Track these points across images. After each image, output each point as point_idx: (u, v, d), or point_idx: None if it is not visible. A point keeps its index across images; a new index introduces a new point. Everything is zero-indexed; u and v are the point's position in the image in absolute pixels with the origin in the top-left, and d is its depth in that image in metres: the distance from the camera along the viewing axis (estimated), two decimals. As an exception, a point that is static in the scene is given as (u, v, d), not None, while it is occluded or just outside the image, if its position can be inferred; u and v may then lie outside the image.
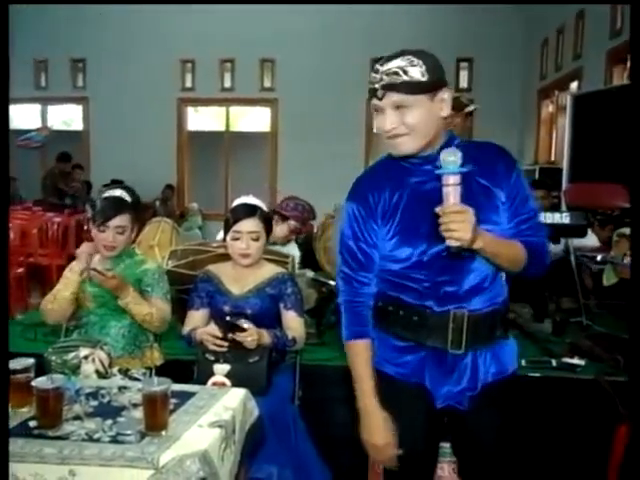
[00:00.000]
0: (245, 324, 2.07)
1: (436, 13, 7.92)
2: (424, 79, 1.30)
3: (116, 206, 2.24)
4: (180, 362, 2.42)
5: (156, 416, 1.45)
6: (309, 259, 3.31)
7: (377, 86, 1.33)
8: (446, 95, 1.35)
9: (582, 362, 2.73)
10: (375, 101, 1.35)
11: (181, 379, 2.17)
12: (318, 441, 2.24)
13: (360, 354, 1.46)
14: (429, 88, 1.32)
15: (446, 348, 1.40)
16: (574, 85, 6.46)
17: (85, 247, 2.35)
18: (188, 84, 8.60)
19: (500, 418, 1.50)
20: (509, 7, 7.83)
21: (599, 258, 3.45)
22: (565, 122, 5.28)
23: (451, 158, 1.25)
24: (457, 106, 3.40)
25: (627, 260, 2.89)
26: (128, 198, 2.29)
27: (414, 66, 1.30)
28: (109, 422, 1.50)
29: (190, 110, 9.19)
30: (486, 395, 1.44)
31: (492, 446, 1.50)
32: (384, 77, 1.31)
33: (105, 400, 1.65)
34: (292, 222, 3.37)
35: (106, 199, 2.27)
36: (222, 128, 9.04)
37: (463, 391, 1.44)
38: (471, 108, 3.15)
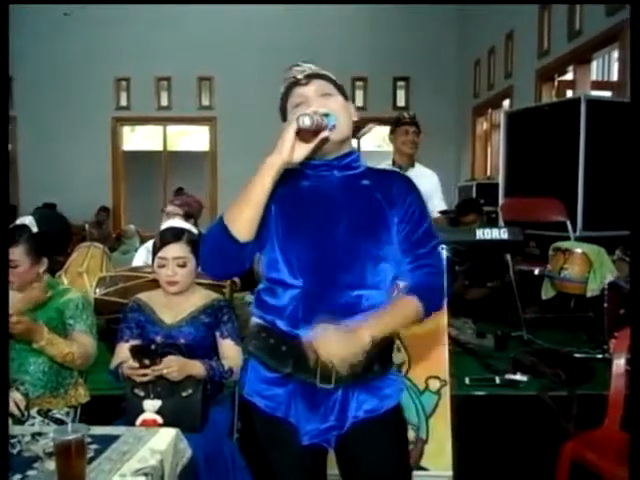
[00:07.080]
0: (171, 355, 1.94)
1: (375, 34, 8.04)
2: (337, 80, 1.41)
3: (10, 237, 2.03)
4: (109, 398, 2.26)
5: (71, 468, 1.29)
6: (249, 282, 3.17)
7: (300, 76, 1.35)
8: (352, 107, 1.43)
9: (525, 378, 2.73)
10: (300, 90, 1.35)
11: (111, 416, 2.02)
12: (258, 477, 2.12)
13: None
14: (342, 89, 1.40)
15: (315, 382, 1.31)
16: (506, 103, 6.67)
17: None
18: (123, 102, 8.37)
19: (373, 454, 1.38)
20: (443, 28, 8.05)
21: (537, 272, 3.49)
22: (499, 138, 5.42)
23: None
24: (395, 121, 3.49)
25: (563, 274, 2.93)
26: (35, 228, 2.11)
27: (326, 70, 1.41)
28: (17, 477, 1.34)
29: (126, 129, 8.92)
30: (356, 433, 1.34)
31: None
32: (307, 69, 1.36)
33: (15, 450, 1.47)
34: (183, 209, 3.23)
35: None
36: (159, 148, 8.83)
37: (329, 429, 1.34)
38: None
